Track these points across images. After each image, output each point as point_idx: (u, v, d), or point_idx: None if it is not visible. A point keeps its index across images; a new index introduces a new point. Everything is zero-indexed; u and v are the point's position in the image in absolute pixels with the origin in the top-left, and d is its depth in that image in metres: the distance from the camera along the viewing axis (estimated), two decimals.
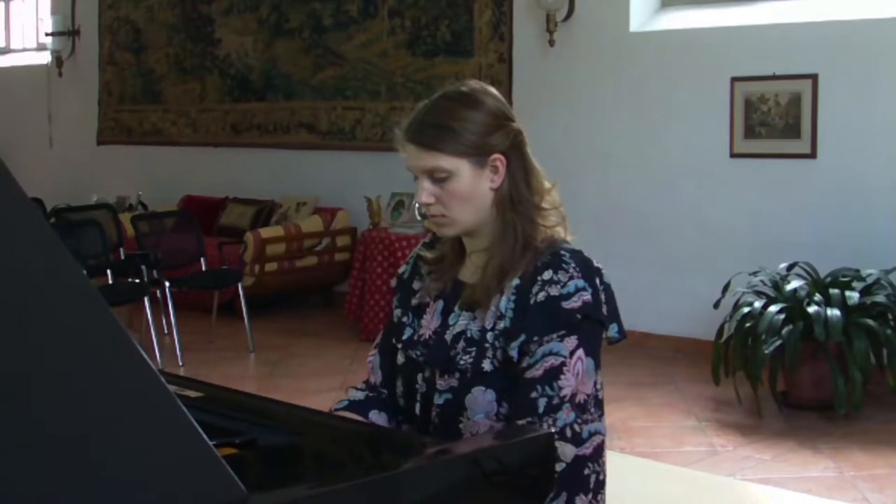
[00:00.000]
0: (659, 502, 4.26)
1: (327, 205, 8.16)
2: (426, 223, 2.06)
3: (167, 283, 6.73)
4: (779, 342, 5.03)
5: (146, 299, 6.50)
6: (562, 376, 1.89)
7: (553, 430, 1.85)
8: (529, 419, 1.88)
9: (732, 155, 6.33)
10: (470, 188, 1.97)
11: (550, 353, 1.90)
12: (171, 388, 1.29)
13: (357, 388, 2.18)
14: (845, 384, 4.94)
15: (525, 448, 1.71)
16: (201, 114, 9.29)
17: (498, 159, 1.99)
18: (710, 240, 6.41)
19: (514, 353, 1.93)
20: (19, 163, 9.15)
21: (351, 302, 7.18)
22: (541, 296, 1.93)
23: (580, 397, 1.92)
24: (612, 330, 2.01)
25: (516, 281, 1.96)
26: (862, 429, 5.01)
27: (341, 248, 8.03)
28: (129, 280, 6.86)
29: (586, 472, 1.97)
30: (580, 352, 1.92)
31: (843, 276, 5.34)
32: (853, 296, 5.12)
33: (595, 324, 1.96)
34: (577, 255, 1.97)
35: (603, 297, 1.97)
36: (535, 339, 1.91)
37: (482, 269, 2.01)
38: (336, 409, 2.12)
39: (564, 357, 1.90)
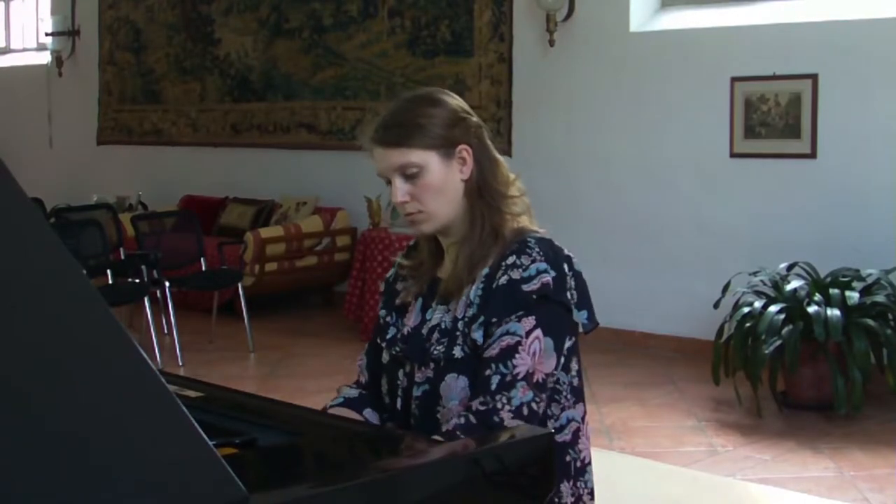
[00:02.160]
0: (659, 502, 4.26)
1: (327, 205, 8.15)
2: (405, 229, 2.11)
3: (167, 283, 6.73)
4: (779, 342, 5.03)
5: (146, 299, 6.50)
6: (517, 355, 1.92)
7: (508, 410, 1.88)
8: (482, 398, 1.90)
9: (732, 155, 6.33)
10: (442, 180, 2.02)
11: (507, 333, 1.94)
12: (171, 388, 1.29)
13: (350, 387, 2.22)
14: (845, 384, 4.94)
15: (525, 448, 1.71)
16: (201, 114, 9.29)
17: (464, 149, 2.04)
18: (710, 240, 6.41)
19: (477, 336, 1.97)
20: (19, 163, 9.14)
21: (351, 302, 7.18)
22: (503, 279, 1.97)
23: (538, 376, 1.94)
24: (582, 317, 2.03)
25: (486, 270, 2.01)
26: (862, 429, 5.01)
27: (341, 248, 8.03)
28: (129, 280, 6.86)
29: (567, 459, 2.04)
30: (538, 332, 1.94)
31: (843, 276, 5.34)
32: (853, 296, 5.12)
33: (557, 306, 1.98)
34: (544, 242, 2.02)
35: (572, 283, 2.01)
36: (494, 320, 1.95)
37: (454, 262, 2.06)
38: (331, 406, 2.17)
39: (520, 336, 1.93)
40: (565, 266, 2.00)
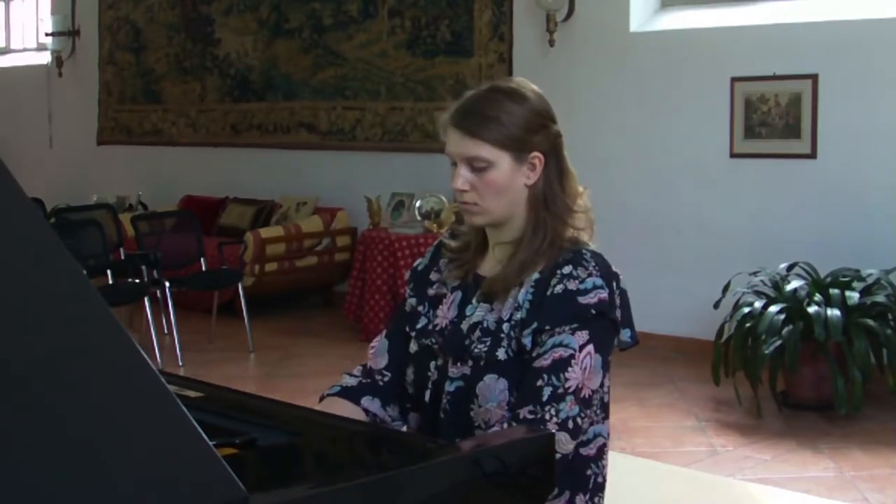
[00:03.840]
0: (659, 502, 4.26)
1: (327, 205, 8.15)
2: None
3: (167, 283, 6.73)
4: (779, 342, 5.03)
5: (146, 299, 6.50)
6: (569, 368, 1.91)
7: (555, 422, 1.88)
8: (532, 407, 1.90)
9: (732, 155, 6.33)
10: (506, 181, 2.01)
11: (560, 345, 1.93)
12: (171, 388, 1.29)
13: (351, 375, 2.18)
14: (845, 384, 4.94)
15: (525, 448, 1.70)
16: (201, 114, 9.29)
17: (537, 157, 2.04)
18: (710, 240, 6.41)
19: (526, 342, 1.96)
20: (19, 163, 9.14)
21: (351, 302, 7.17)
22: (558, 288, 1.96)
23: (585, 392, 1.94)
24: (625, 335, 2.04)
25: (536, 275, 2.00)
26: (862, 429, 5.01)
27: (341, 248, 8.03)
28: (129, 280, 6.86)
29: (588, 472, 2.03)
30: (590, 347, 1.94)
31: (843, 276, 5.34)
32: (853, 296, 5.12)
33: (608, 323, 1.99)
34: (598, 257, 2.02)
35: (618, 301, 2.01)
36: (547, 328, 1.94)
37: (504, 262, 2.05)
38: (327, 395, 2.14)
39: (574, 350, 1.92)
40: (614, 283, 2.00)
